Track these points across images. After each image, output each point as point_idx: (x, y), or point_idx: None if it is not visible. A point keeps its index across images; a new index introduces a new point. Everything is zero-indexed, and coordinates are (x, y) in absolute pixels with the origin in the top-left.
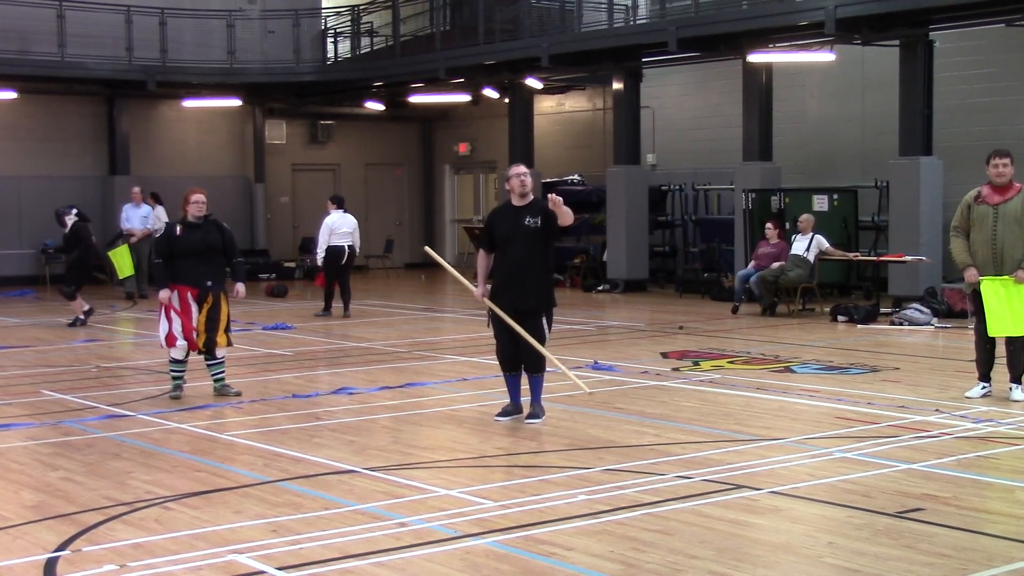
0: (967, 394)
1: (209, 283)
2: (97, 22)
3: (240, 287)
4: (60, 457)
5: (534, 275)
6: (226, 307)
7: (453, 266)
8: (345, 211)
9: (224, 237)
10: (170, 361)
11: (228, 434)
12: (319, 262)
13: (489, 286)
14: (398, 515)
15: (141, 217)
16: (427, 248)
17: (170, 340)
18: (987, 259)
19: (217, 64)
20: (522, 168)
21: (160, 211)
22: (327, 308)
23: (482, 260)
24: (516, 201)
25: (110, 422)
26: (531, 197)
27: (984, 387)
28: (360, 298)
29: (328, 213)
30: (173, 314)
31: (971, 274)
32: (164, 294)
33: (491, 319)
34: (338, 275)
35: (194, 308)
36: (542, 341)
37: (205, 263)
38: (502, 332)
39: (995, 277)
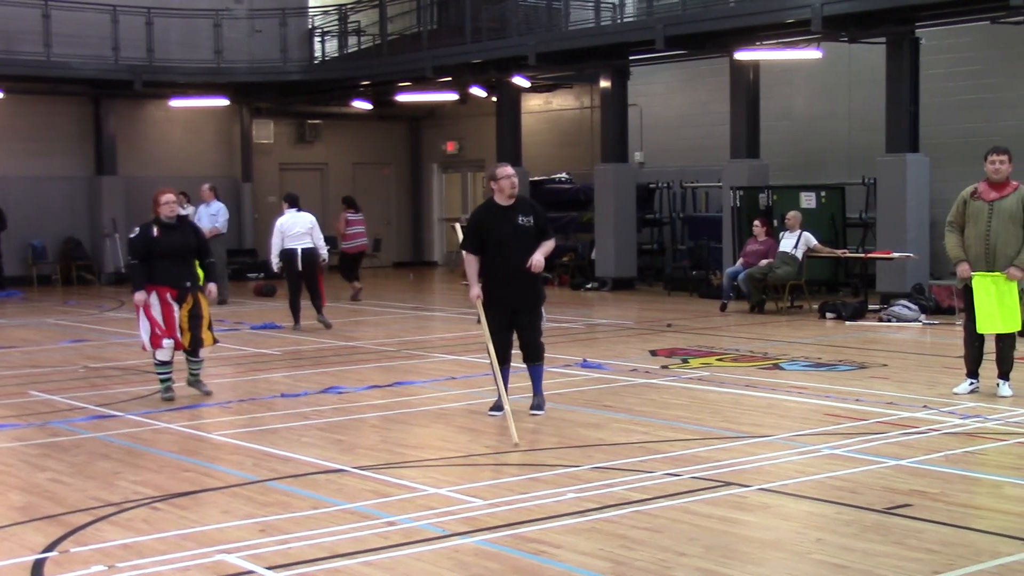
0: (955, 390)
1: (188, 284)
2: (83, 22)
3: (212, 287)
4: (48, 458)
5: (530, 274)
6: (206, 305)
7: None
8: (299, 210)
9: (199, 238)
10: (156, 364)
11: (216, 434)
12: (275, 269)
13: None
14: (387, 514)
15: (210, 215)
16: (457, 225)
17: (155, 341)
18: (980, 255)
19: (204, 64)
20: (510, 169)
21: (192, 207)
22: (296, 322)
23: (473, 263)
24: (503, 201)
25: (98, 423)
26: (516, 195)
27: (972, 383)
28: (348, 297)
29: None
30: (155, 314)
31: (963, 269)
32: (140, 296)
33: (483, 313)
34: (299, 282)
35: (175, 307)
36: (540, 327)
37: (183, 264)
38: (498, 323)
39: (987, 273)
